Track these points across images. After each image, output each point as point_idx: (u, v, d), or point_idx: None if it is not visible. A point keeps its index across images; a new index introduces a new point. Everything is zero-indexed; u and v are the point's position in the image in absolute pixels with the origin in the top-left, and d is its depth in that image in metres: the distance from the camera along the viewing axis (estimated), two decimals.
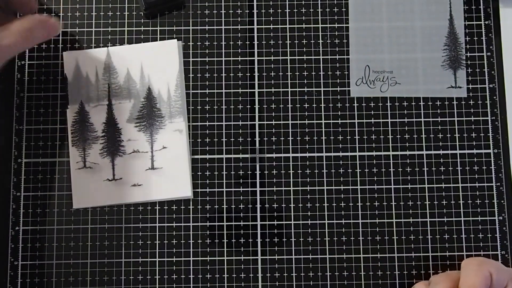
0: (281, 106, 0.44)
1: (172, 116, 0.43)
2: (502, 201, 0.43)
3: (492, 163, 0.43)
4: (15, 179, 0.43)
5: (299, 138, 0.44)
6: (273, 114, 0.44)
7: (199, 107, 0.44)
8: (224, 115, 0.44)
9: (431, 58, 0.44)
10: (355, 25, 0.44)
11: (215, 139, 0.44)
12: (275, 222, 0.43)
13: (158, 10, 0.44)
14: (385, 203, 0.43)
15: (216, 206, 0.43)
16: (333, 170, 0.43)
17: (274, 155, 0.43)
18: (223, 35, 0.45)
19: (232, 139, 0.44)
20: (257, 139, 0.44)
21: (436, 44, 0.44)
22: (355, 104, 0.44)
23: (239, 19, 0.45)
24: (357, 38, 0.44)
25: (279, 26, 0.45)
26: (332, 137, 0.43)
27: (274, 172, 0.43)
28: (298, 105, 0.44)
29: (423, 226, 0.43)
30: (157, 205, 0.43)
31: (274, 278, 0.42)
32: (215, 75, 0.44)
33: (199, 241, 0.43)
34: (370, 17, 0.44)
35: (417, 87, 0.44)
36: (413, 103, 0.44)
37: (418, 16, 0.44)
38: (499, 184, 0.43)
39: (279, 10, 0.45)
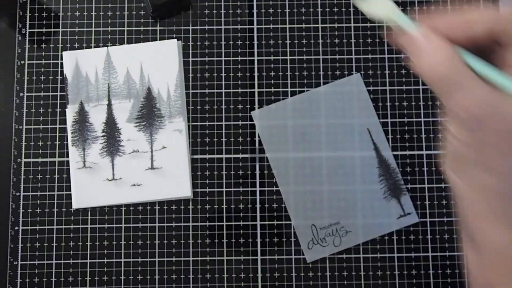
0: None
1: (172, 116, 0.43)
2: None
3: None
4: (14, 179, 0.43)
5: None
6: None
7: (199, 107, 0.44)
8: (224, 114, 0.44)
9: (371, 193, 0.42)
10: (294, 188, 0.43)
11: (215, 139, 0.44)
12: (275, 222, 0.43)
13: (165, 12, 0.44)
14: None
15: (216, 206, 0.43)
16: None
17: None
18: (223, 35, 0.45)
19: (232, 139, 0.44)
20: (257, 139, 0.44)
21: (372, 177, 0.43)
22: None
23: (239, 19, 0.45)
24: (296, 204, 0.42)
25: (279, 26, 0.45)
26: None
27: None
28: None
29: (423, 226, 0.43)
30: (157, 205, 0.43)
31: (274, 278, 0.42)
32: (215, 75, 0.44)
33: (199, 241, 0.42)
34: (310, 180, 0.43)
35: (369, 231, 0.42)
36: (413, 103, 0.44)
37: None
38: None
39: (279, 10, 0.45)
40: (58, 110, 0.44)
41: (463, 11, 0.26)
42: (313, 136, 0.43)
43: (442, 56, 0.25)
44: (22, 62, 0.44)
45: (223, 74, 0.44)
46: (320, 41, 0.45)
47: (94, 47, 0.44)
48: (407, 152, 0.43)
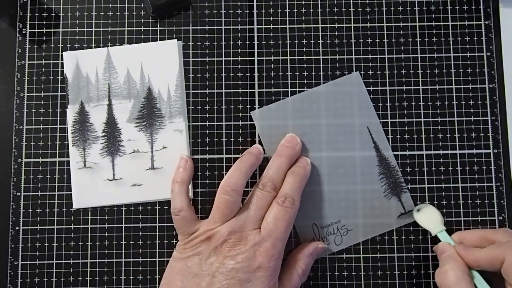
0: None
1: (172, 116, 0.43)
2: (502, 201, 0.43)
3: (492, 163, 0.43)
4: (15, 179, 0.43)
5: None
6: None
7: (199, 107, 0.44)
8: (224, 115, 0.44)
9: (372, 192, 0.43)
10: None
11: (215, 139, 0.44)
12: None
13: (165, 12, 0.44)
14: None
15: None
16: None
17: None
18: (223, 35, 0.45)
19: (232, 139, 0.44)
20: (256, 139, 0.44)
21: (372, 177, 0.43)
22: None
23: (239, 19, 0.45)
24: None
25: (279, 26, 0.45)
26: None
27: None
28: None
29: None
30: (157, 205, 0.43)
31: None
32: (215, 75, 0.44)
33: None
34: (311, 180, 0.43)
35: (370, 229, 0.42)
36: (413, 103, 0.44)
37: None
38: (499, 184, 0.43)
39: (279, 10, 0.45)
40: (58, 110, 0.44)
41: (471, 250, 0.37)
42: (313, 136, 0.43)
43: (455, 276, 0.35)
44: (23, 62, 0.44)
45: (223, 74, 0.44)
46: (320, 41, 0.45)
47: (95, 47, 0.44)
48: (407, 152, 0.43)
